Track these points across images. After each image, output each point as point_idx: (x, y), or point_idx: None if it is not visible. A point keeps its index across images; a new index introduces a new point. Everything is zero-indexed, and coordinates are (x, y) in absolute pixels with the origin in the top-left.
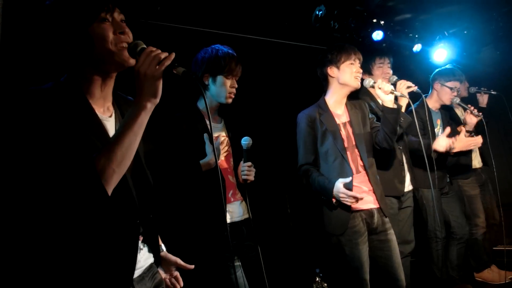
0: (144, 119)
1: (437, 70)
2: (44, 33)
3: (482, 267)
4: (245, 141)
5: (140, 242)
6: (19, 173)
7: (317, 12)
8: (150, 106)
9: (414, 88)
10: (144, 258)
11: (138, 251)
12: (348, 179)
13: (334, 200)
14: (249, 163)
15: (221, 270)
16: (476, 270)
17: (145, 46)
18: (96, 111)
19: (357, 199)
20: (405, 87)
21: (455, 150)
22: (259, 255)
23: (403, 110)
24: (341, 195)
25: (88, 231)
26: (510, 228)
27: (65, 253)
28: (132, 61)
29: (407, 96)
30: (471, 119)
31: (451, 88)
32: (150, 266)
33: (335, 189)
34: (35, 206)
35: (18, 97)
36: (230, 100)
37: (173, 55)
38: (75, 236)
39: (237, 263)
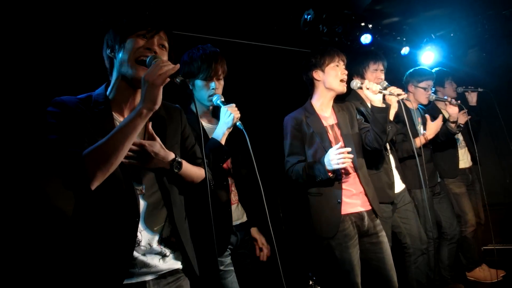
0: (137, 123)
1: (408, 72)
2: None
3: (473, 266)
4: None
5: (163, 246)
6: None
7: (305, 16)
8: (146, 113)
9: (405, 96)
10: (164, 263)
11: (162, 256)
12: (337, 145)
13: (330, 174)
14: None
15: (213, 274)
16: (468, 269)
17: (161, 59)
18: (120, 118)
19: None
20: (395, 93)
21: (430, 136)
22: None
23: (391, 117)
24: (333, 156)
25: (76, 220)
26: (498, 227)
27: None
28: (142, 72)
29: (395, 94)
30: (453, 109)
31: (424, 88)
32: (171, 272)
33: (326, 158)
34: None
35: (52, 102)
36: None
37: (177, 67)
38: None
39: (230, 268)
